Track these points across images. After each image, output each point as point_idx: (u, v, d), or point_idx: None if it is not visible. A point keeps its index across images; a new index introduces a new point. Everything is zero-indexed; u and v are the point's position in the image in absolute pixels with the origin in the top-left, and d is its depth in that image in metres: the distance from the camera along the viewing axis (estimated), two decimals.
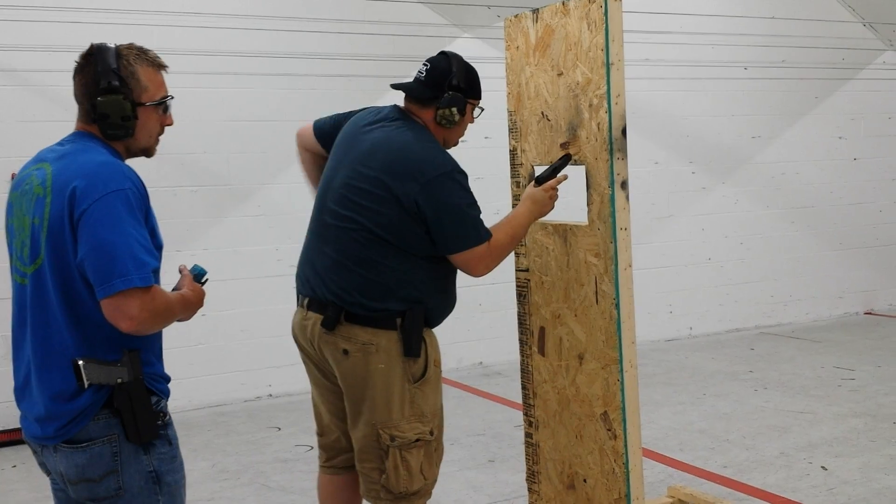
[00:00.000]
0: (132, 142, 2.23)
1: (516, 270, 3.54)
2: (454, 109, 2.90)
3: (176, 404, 2.36)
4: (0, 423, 5.32)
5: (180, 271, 2.27)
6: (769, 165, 8.01)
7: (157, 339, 2.23)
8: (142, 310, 1.99)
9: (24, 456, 5.00)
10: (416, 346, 2.80)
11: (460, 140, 3.11)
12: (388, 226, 2.80)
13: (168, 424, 2.20)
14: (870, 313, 8.44)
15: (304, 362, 3.07)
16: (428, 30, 6.39)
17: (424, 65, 2.96)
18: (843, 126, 8.34)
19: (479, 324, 6.50)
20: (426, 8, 6.57)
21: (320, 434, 3.13)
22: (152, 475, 2.14)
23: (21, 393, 2.21)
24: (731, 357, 6.84)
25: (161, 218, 2.34)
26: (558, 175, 3.04)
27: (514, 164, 3.45)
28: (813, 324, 8.06)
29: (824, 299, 8.31)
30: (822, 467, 4.33)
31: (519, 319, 3.56)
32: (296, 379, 6.17)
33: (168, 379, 2.24)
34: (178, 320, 2.18)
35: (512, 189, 3.52)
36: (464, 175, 2.87)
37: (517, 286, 3.55)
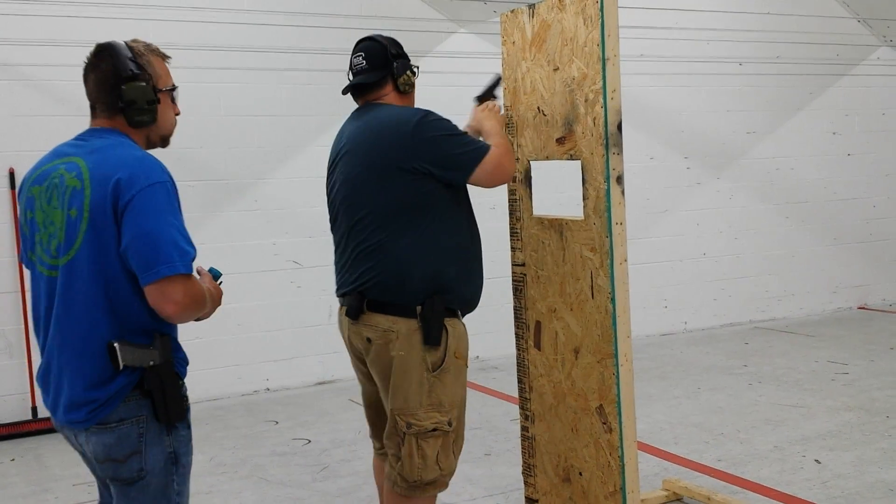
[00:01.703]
0: (153, 130, 2.32)
1: (512, 265, 3.56)
2: (408, 73, 3.00)
3: None
4: (0, 416, 5.34)
5: (198, 272, 2.34)
6: (764, 161, 8.04)
7: (175, 330, 2.31)
8: (185, 295, 2.10)
9: (22, 449, 5.01)
10: (435, 335, 2.82)
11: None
12: (397, 198, 2.81)
13: (188, 409, 2.28)
14: (863, 308, 8.48)
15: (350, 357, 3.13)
16: (424, 25, 6.40)
17: (358, 55, 3.00)
18: (837, 122, 8.37)
19: (476, 318, 6.48)
20: (423, 3, 6.58)
21: (370, 424, 3.20)
22: (172, 455, 2.23)
23: (46, 381, 2.27)
24: (726, 351, 6.87)
25: None
26: (494, 95, 3.31)
27: None
28: (807, 318, 8.09)
29: (818, 294, 8.34)
30: (816, 461, 4.35)
31: (515, 314, 3.58)
32: (293, 373, 6.20)
33: (187, 362, 2.32)
34: (197, 319, 2.25)
35: (508, 183, 3.53)
36: (437, 114, 2.89)
37: (513, 281, 3.57)
